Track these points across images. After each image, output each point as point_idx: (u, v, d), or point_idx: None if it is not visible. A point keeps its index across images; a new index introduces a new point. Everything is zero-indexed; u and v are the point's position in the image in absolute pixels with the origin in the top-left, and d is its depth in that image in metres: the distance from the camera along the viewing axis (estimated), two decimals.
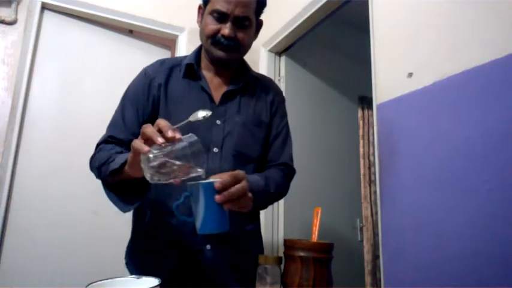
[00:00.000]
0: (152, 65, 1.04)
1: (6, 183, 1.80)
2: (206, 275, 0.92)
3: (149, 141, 0.64)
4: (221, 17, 0.92)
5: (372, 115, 1.72)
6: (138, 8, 2.27)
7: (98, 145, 0.98)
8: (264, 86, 1.09)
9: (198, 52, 1.04)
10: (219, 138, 0.96)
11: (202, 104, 0.97)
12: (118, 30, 2.32)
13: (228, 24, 0.92)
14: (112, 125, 0.98)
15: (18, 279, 1.75)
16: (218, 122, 0.97)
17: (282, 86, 2.37)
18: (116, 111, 1.01)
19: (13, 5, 1.92)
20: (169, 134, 0.63)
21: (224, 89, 1.01)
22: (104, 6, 2.18)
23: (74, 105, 2.08)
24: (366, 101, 2.84)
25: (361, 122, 2.82)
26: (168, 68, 1.01)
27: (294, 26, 2.16)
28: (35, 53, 2.00)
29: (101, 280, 0.58)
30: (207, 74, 1.03)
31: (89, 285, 0.55)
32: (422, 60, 1.24)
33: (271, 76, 2.37)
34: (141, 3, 2.28)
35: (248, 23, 0.94)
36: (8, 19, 1.90)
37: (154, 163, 0.62)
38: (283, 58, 2.46)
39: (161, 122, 0.66)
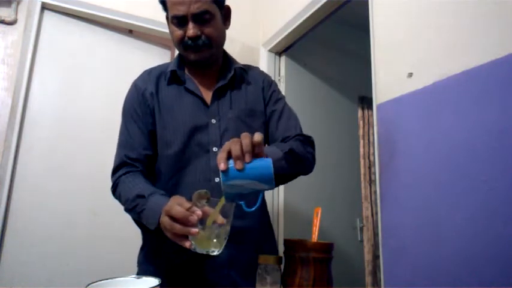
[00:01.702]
0: (140, 77, 1.05)
1: (6, 183, 1.80)
2: (220, 272, 0.92)
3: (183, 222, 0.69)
4: (180, 20, 0.92)
5: (372, 115, 1.72)
6: (138, 8, 2.27)
7: (114, 170, 0.97)
8: (251, 75, 1.09)
9: (180, 56, 1.04)
10: (216, 137, 0.96)
11: (194, 107, 0.97)
12: (118, 30, 2.32)
13: (190, 25, 0.91)
14: (121, 146, 0.99)
15: (18, 279, 1.75)
16: (213, 121, 0.97)
17: (282, 86, 2.36)
18: (121, 132, 1.02)
19: (13, 5, 1.92)
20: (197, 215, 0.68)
21: (213, 87, 1.01)
22: (104, 6, 2.18)
23: (74, 105, 2.08)
24: (366, 101, 2.84)
25: (361, 122, 2.82)
26: (156, 77, 1.02)
27: (294, 26, 2.16)
28: (35, 53, 2.00)
29: (100, 280, 0.58)
30: (194, 75, 1.03)
31: (89, 285, 0.55)
32: (422, 60, 1.24)
33: (271, 76, 2.37)
34: (141, 3, 2.28)
35: (209, 16, 0.92)
36: (8, 19, 1.90)
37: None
38: (283, 58, 2.46)
39: (180, 209, 0.70)
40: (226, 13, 1.02)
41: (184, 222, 0.68)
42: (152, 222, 0.79)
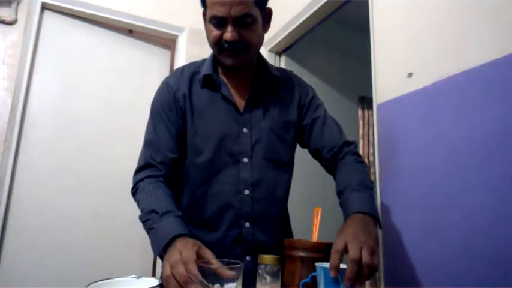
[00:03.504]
0: (173, 75, 1.00)
1: (6, 183, 1.80)
2: (246, 286, 0.91)
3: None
4: (220, 21, 0.86)
5: (372, 115, 1.72)
6: (138, 8, 2.27)
7: (138, 170, 0.93)
8: (287, 83, 1.04)
9: (214, 57, 0.98)
10: (247, 148, 0.93)
11: (226, 114, 0.94)
12: (118, 30, 2.32)
13: (229, 28, 0.86)
14: (147, 146, 0.94)
15: (18, 279, 1.75)
16: (245, 130, 0.93)
17: None
18: (148, 131, 0.96)
19: (13, 5, 1.92)
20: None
21: (247, 94, 0.96)
22: (104, 6, 2.18)
23: (74, 105, 2.08)
24: (366, 101, 2.84)
25: (361, 122, 2.82)
26: (189, 77, 0.97)
27: (294, 26, 2.16)
28: (35, 53, 2.00)
29: (100, 280, 0.58)
30: (227, 79, 0.98)
31: (89, 285, 0.55)
32: (422, 60, 1.24)
33: None
34: (141, 3, 2.28)
35: (250, 19, 0.87)
36: (8, 19, 1.90)
37: None
38: (283, 58, 2.46)
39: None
40: (267, 16, 0.96)
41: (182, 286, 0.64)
42: (156, 249, 0.77)
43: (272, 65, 1.07)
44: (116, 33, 2.30)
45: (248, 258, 0.91)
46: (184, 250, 0.67)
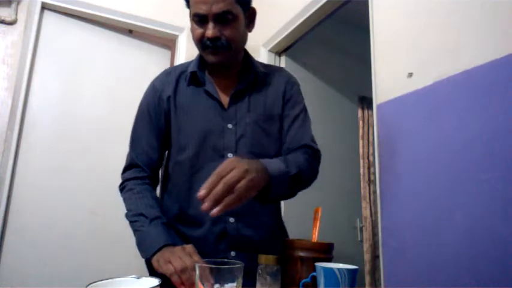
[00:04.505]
0: (159, 77, 1.03)
1: (6, 183, 1.80)
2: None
3: None
4: (202, 19, 0.88)
5: (372, 115, 1.72)
6: (138, 8, 2.27)
7: (124, 169, 1.00)
8: (273, 77, 1.04)
9: (201, 56, 1.00)
10: (232, 143, 0.94)
11: (210, 110, 0.95)
12: (118, 30, 2.32)
13: (210, 25, 0.88)
14: (132, 147, 1.00)
15: (18, 279, 1.75)
16: (229, 125, 0.94)
17: None
18: (133, 131, 1.01)
19: (13, 5, 1.92)
20: None
21: (232, 90, 0.97)
22: (104, 6, 2.18)
23: (73, 105, 2.08)
24: (366, 101, 2.84)
25: (361, 122, 2.82)
26: (175, 78, 0.99)
27: (294, 26, 2.16)
28: (35, 53, 2.00)
29: (100, 280, 0.58)
30: (213, 77, 0.99)
31: (89, 285, 0.55)
32: (423, 60, 1.24)
33: None
34: (141, 3, 2.28)
35: (231, 16, 0.88)
36: (8, 19, 1.90)
37: None
38: (283, 58, 2.46)
39: None
40: (250, 15, 0.97)
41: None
42: (144, 251, 0.84)
43: (260, 62, 1.08)
44: (116, 33, 2.30)
45: (233, 253, 0.92)
46: (183, 256, 0.76)
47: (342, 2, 1.91)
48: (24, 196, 1.86)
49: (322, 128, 2.58)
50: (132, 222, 0.90)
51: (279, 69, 1.10)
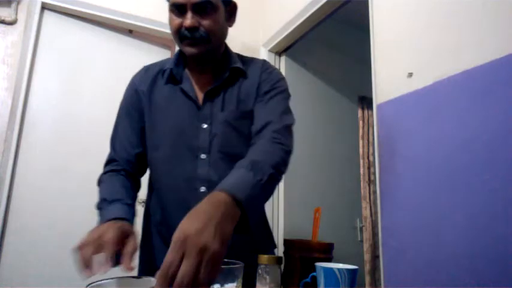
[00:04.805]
0: (138, 73, 1.01)
1: (6, 183, 1.80)
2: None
3: None
4: (180, 9, 0.85)
5: (372, 115, 1.72)
6: (138, 8, 2.27)
7: (104, 165, 0.99)
8: (249, 71, 0.97)
9: (180, 52, 0.97)
10: (206, 143, 0.90)
11: (185, 109, 0.92)
12: (118, 30, 2.32)
13: (188, 14, 0.84)
14: (112, 143, 0.99)
15: (18, 279, 1.75)
16: (204, 125, 0.90)
17: None
18: (114, 127, 1.00)
19: (13, 5, 1.92)
20: None
21: (208, 87, 0.93)
22: (104, 6, 2.18)
23: (73, 105, 2.08)
24: (366, 101, 2.84)
25: (361, 122, 2.82)
26: (153, 76, 0.97)
27: (294, 26, 2.16)
28: (35, 53, 2.00)
29: (100, 280, 0.58)
30: (192, 73, 0.96)
31: (89, 285, 0.55)
32: (422, 60, 1.24)
33: None
34: (141, 3, 2.28)
35: (211, 7, 0.85)
36: (8, 19, 1.90)
37: None
38: (283, 58, 2.46)
39: None
40: (231, 9, 0.94)
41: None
42: (100, 220, 0.80)
43: (241, 56, 1.01)
44: (116, 33, 2.30)
45: None
46: (108, 231, 0.68)
47: (342, 2, 1.91)
48: (24, 196, 1.86)
49: (322, 128, 2.59)
50: (98, 212, 0.86)
51: (256, 61, 1.02)
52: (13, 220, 1.82)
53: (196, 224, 0.53)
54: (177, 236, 0.51)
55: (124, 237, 0.68)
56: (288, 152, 0.83)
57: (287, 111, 0.91)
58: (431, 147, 1.16)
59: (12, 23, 1.91)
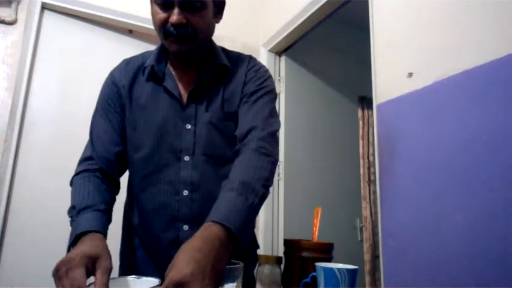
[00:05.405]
0: (118, 67, 0.96)
1: (6, 183, 1.80)
2: None
3: None
4: (166, 3, 0.79)
5: (372, 115, 1.72)
6: (138, 8, 2.26)
7: (78, 162, 0.94)
8: (235, 69, 0.92)
9: (162, 47, 0.91)
10: (189, 145, 0.86)
11: (169, 108, 0.87)
12: (118, 30, 2.32)
13: (176, 10, 0.78)
14: (90, 138, 0.93)
15: (18, 279, 1.75)
16: (188, 126, 0.86)
17: (281, 86, 2.37)
18: (93, 123, 0.95)
19: (13, 5, 1.92)
20: None
21: (192, 86, 0.89)
22: (104, 6, 2.18)
23: (73, 105, 2.08)
24: (366, 101, 2.84)
25: (361, 122, 2.82)
26: (134, 70, 0.93)
27: (294, 26, 2.16)
28: (35, 53, 2.00)
29: None
30: (175, 70, 0.91)
31: (89, 285, 0.55)
32: (422, 60, 1.24)
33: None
34: (141, 3, 2.28)
35: (200, 4, 0.80)
36: (8, 19, 1.90)
37: None
38: (283, 58, 2.46)
39: None
40: (219, 5, 0.89)
41: None
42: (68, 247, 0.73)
43: (228, 52, 0.97)
44: (116, 33, 2.30)
45: None
46: (76, 267, 0.61)
47: (342, 2, 1.91)
48: (24, 196, 1.86)
49: (322, 128, 2.59)
50: (69, 220, 0.80)
51: (242, 57, 0.96)
52: (13, 220, 1.82)
53: (191, 266, 0.53)
54: (172, 277, 0.52)
55: (94, 261, 0.63)
56: (274, 163, 0.81)
57: (273, 114, 0.88)
58: (432, 147, 1.16)
59: (12, 23, 1.91)
